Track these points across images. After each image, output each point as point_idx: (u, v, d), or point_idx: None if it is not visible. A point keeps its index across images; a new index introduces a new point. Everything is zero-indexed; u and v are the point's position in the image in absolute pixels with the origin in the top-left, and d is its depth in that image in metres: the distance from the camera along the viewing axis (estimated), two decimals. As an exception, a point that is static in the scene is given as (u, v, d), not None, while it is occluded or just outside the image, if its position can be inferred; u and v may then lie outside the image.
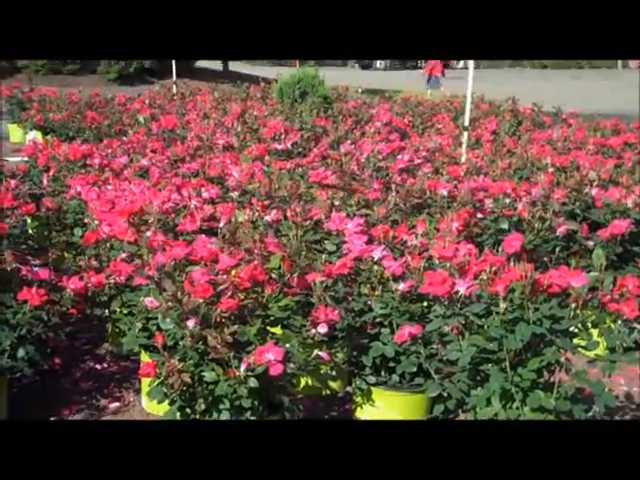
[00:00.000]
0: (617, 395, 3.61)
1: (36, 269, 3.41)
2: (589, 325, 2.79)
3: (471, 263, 3.02)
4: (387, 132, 7.42)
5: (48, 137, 8.19)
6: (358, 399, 3.23)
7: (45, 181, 5.11)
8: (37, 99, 10.29)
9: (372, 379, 3.19)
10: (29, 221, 4.95)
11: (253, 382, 2.69)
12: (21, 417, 3.22)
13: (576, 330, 2.76)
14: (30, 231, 4.90)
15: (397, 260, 3.28)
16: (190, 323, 2.74)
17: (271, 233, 3.48)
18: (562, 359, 2.68)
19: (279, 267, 3.26)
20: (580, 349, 2.76)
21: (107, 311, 3.55)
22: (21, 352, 3.18)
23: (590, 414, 2.65)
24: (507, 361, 2.66)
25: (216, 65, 22.68)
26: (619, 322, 2.80)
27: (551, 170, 5.45)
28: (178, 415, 2.82)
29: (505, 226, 4.24)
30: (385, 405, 3.17)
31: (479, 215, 4.28)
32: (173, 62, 11.98)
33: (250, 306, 2.87)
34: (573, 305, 2.73)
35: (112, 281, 3.44)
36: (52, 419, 3.10)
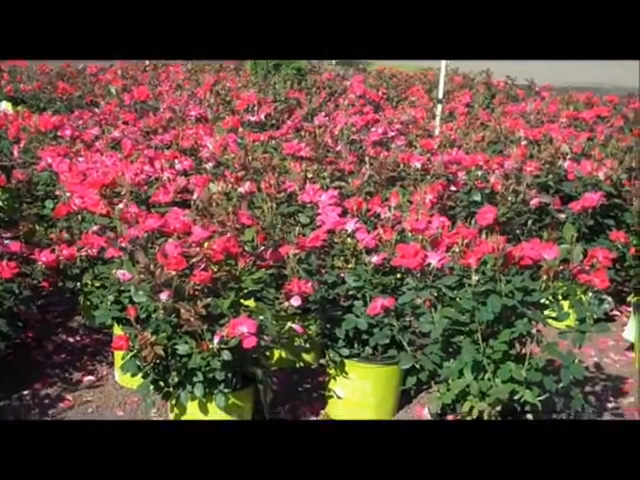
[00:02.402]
0: (587, 366, 3.66)
1: (7, 242, 3.38)
2: (560, 297, 2.81)
3: (443, 235, 3.02)
4: (361, 104, 7.39)
5: (19, 108, 8.07)
6: (332, 371, 3.24)
7: (15, 152, 5.04)
8: (7, 70, 10.13)
9: (345, 351, 3.20)
10: (-1, 193, 4.90)
11: (226, 355, 2.69)
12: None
13: (547, 302, 2.78)
14: (0, 203, 4.84)
15: (370, 233, 3.29)
16: (163, 296, 2.73)
17: (244, 205, 3.47)
18: (533, 331, 2.71)
19: (252, 240, 3.25)
20: (551, 321, 2.78)
21: (79, 284, 3.53)
22: (-8, 325, 3.15)
23: (561, 385, 2.68)
24: (479, 333, 2.68)
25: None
26: (589, 294, 2.82)
27: (524, 143, 5.46)
28: (152, 388, 2.82)
29: (478, 198, 4.25)
30: (358, 377, 3.19)
31: (452, 188, 4.28)
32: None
33: (223, 279, 2.87)
34: (544, 277, 2.75)
35: (84, 254, 3.42)
36: (48, 420, 3.07)
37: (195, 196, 3.65)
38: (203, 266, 2.80)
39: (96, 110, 6.71)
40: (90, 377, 3.54)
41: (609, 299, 3.11)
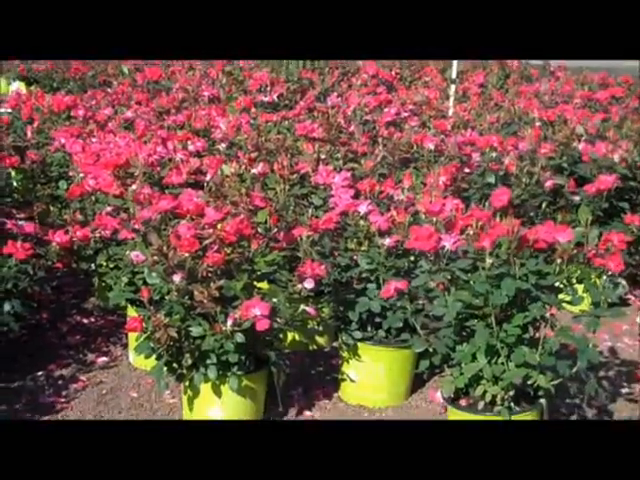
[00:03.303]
0: (601, 351, 3.64)
1: (21, 223, 3.39)
2: (574, 281, 2.79)
3: (457, 218, 3.00)
4: (374, 85, 7.35)
5: (32, 88, 8.08)
6: (345, 354, 3.24)
7: (29, 133, 5.05)
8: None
9: (358, 334, 3.19)
10: (13, 174, 4.90)
11: (240, 337, 2.70)
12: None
13: (561, 286, 2.77)
14: (15, 184, 4.85)
15: (383, 215, 3.27)
16: (176, 277, 2.73)
17: (258, 187, 3.46)
18: (547, 315, 2.69)
19: (265, 221, 3.24)
20: (565, 305, 2.77)
21: (93, 265, 3.53)
22: (7, 306, 3.17)
23: (574, 370, 2.67)
24: (492, 317, 2.66)
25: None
26: (604, 277, 2.80)
27: (538, 124, 5.42)
28: (165, 370, 2.83)
29: (492, 180, 4.22)
30: (371, 360, 3.19)
31: (466, 169, 4.26)
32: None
33: (236, 261, 2.87)
34: (559, 260, 2.73)
35: (98, 235, 3.42)
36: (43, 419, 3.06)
37: (208, 177, 3.64)
38: (216, 248, 2.79)
39: (109, 90, 6.71)
40: (104, 358, 3.55)
41: (624, 283, 3.08)
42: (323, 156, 4.18)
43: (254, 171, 3.86)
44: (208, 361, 2.76)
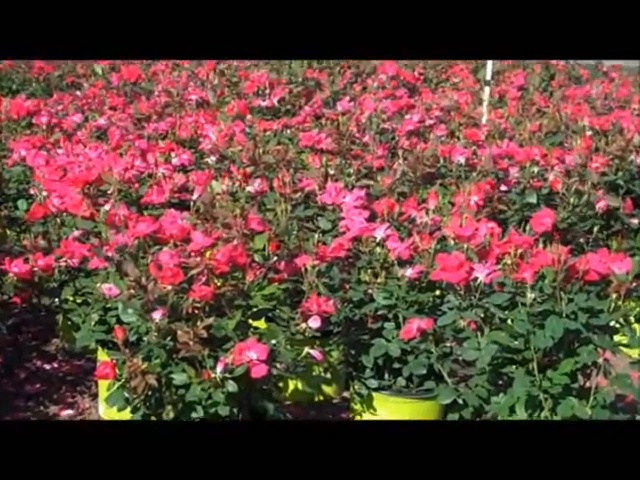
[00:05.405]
0: (665, 403, 3.63)
1: (-28, 249, 3.40)
2: (632, 319, 2.79)
3: (493, 245, 3.01)
4: (393, 87, 7.40)
5: (-13, 90, 8.14)
6: (357, 406, 3.24)
7: (-18, 144, 5.08)
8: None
9: (374, 383, 3.19)
10: (-37, 192, 4.93)
11: (232, 386, 2.69)
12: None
13: (617, 325, 2.76)
14: (-36, 204, 4.87)
15: (404, 241, 3.28)
16: (156, 315, 2.73)
17: (254, 207, 3.47)
18: (600, 360, 2.68)
19: (263, 248, 3.25)
20: (622, 348, 2.76)
21: (57, 300, 3.53)
22: (-46, 348, 3.17)
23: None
24: (535, 362, 2.66)
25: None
26: (668, 315, 2.81)
27: (589, 133, 5.43)
28: (142, 425, 2.82)
29: (533, 200, 4.23)
30: (389, 414, 3.18)
31: (503, 187, 4.27)
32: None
33: (228, 295, 2.87)
34: (614, 295, 2.73)
35: (63, 264, 3.42)
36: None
37: (195, 196, 3.66)
38: (204, 279, 2.80)
39: (78, 93, 6.75)
40: (69, 411, 3.55)
41: (691, 322, 3.08)
42: (332, 171, 4.20)
43: (250, 189, 3.87)
44: (194, 414, 2.75)
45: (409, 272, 3.15)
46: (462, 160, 4.45)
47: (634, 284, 2.76)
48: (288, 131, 5.33)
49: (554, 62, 9.00)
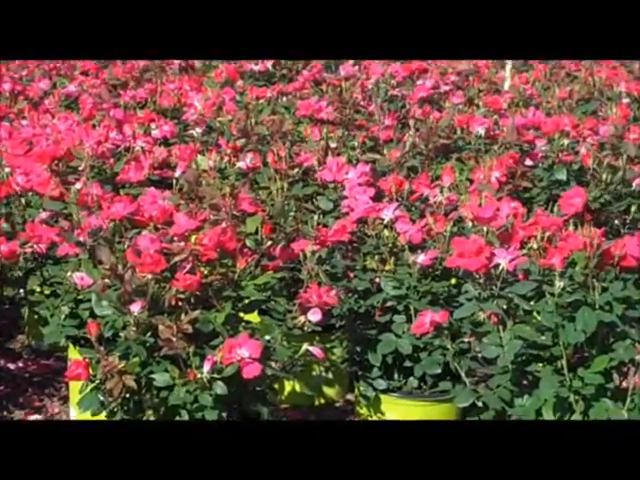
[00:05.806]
0: None
1: None
2: (675, 311, 2.80)
3: (516, 227, 3.01)
4: (403, 48, 7.39)
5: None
6: (362, 410, 3.25)
7: (-63, 114, 5.08)
8: None
9: (382, 383, 3.20)
10: None
11: (220, 387, 2.69)
12: None
13: (658, 318, 2.77)
14: None
15: (415, 223, 3.28)
16: (135, 307, 2.73)
17: (245, 185, 3.47)
18: (638, 357, 2.69)
19: (256, 232, 3.25)
20: (662, 343, 2.77)
21: (22, 291, 3.54)
22: None
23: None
24: (564, 359, 2.66)
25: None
26: None
27: (626, 101, 5.43)
28: (119, 431, 2.83)
29: (563, 177, 4.22)
30: (399, 417, 3.19)
31: (528, 162, 4.26)
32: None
33: (216, 284, 2.87)
34: (654, 284, 2.74)
35: (29, 250, 3.43)
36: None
37: (178, 173, 3.66)
38: (189, 267, 2.80)
39: (45, 56, 6.74)
40: (37, 416, 3.56)
41: None
42: (333, 144, 4.20)
43: (240, 164, 3.87)
44: (177, 419, 2.76)
45: (421, 258, 3.15)
46: (482, 131, 4.44)
47: (677, 271, 2.77)
48: (284, 99, 5.32)
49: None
